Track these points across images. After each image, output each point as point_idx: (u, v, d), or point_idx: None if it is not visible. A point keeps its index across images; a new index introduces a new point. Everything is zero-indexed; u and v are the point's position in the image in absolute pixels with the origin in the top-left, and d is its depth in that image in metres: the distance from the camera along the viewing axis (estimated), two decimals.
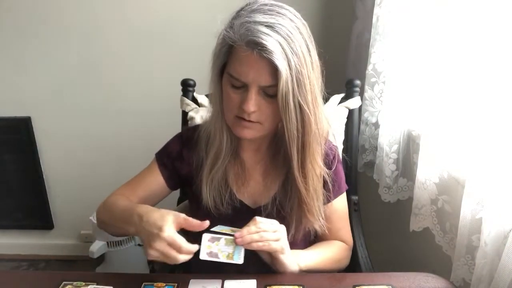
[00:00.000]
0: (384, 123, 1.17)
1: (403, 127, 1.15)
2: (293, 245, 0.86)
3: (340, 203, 0.93)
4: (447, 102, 0.92)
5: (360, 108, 1.21)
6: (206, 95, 1.20)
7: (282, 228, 0.78)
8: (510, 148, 0.71)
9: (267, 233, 0.74)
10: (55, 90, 1.79)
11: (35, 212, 2.00)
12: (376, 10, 1.18)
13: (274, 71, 0.70)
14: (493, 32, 0.78)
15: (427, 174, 0.95)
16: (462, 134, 0.90)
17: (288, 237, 0.83)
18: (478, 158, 0.76)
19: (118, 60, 1.74)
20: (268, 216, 0.84)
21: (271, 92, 0.73)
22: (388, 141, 1.16)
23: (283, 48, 0.69)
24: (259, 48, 0.68)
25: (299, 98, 0.72)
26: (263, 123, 0.77)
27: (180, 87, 1.22)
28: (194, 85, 1.21)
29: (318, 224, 0.85)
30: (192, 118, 1.15)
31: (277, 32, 0.69)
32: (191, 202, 0.96)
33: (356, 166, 1.25)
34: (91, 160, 1.90)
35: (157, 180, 0.90)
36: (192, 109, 1.17)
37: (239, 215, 0.85)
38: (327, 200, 0.88)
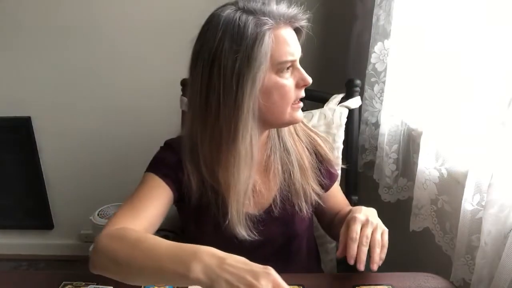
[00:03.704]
0: (384, 123, 1.17)
1: (403, 127, 1.14)
2: (303, 220, 0.88)
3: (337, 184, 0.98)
4: (447, 102, 0.92)
5: (360, 108, 1.21)
6: None
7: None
8: (510, 148, 0.71)
9: (368, 232, 0.72)
10: (55, 90, 1.79)
11: (35, 212, 2.00)
12: (376, 10, 1.18)
13: None
14: (494, 32, 0.78)
15: (427, 174, 0.95)
16: (462, 134, 0.90)
17: (302, 212, 0.85)
18: (478, 158, 0.76)
19: (118, 60, 1.74)
20: (281, 209, 0.84)
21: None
22: (388, 141, 1.16)
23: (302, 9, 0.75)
24: (299, 20, 0.74)
25: None
26: None
27: (180, 87, 1.22)
28: None
29: (317, 188, 0.87)
30: None
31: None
32: (187, 223, 0.89)
33: (356, 166, 1.25)
34: (91, 160, 1.90)
35: (164, 197, 0.78)
36: None
37: (251, 227, 0.81)
38: (329, 182, 0.92)
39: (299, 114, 0.79)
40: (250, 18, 0.69)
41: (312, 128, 0.93)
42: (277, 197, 0.84)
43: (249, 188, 0.78)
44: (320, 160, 0.90)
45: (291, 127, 0.86)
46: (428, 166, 0.94)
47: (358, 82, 1.18)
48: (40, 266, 2.02)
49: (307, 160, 0.87)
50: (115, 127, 1.84)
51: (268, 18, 0.69)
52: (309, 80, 0.75)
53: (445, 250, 0.93)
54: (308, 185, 0.85)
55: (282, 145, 0.86)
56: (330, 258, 1.16)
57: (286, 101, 0.75)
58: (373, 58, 1.20)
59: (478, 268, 0.73)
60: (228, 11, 0.71)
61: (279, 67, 0.72)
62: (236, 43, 0.68)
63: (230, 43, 0.69)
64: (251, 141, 0.74)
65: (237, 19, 0.69)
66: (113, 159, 1.89)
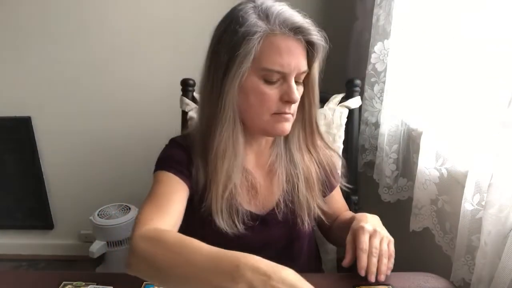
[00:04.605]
0: (384, 123, 1.17)
1: (403, 127, 1.15)
2: (307, 235, 0.87)
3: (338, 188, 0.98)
4: (447, 102, 0.92)
5: (360, 108, 1.21)
6: None
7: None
8: (510, 148, 0.71)
9: (376, 243, 0.72)
10: (55, 90, 1.79)
11: (35, 212, 2.01)
12: (376, 10, 1.18)
13: (306, 55, 0.73)
14: (493, 31, 0.78)
15: (427, 174, 0.95)
16: (462, 133, 0.90)
17: (304, 227, 0.84)
18: (478, 158, 0.76)
19: (118, 60, 1.74)
20: (284, 215, 0.84)
21: (301, 78, 0.75)
22: (388, 141, 1.16)
23: (319, 30, 0.73)
24: (304, 33, 0.70)
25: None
26: (294, 113, 0.77)
27: (180, 87, 1.22)
28: (194, 84, 1.21)
29: (321, 203, 0.87)
30: (191, 118, 1.15)
31: (308, 18, 0.72)
32: (190, 222, 0.84)
33: (356, 166, 1.25)
34: (91, 160, 1.90)
35: (183, 191, 0.77)
36: (192, 109, 1.17)
37: (254, 227, 0.82)
38: (330, 191, 0.91)
39: (283, 127, 0.76)
40: (253, 17, 0.69)
41: (331, 146, 0.91)
42: (281, 202, 0.84)
43: (231, 182, 0.77)
44: (328, 176, 0.89)
45: (301, 142, 0.85)
46: (428, 166, 0.94)
47: (358, 82, 1.18)
48: (40, 266, 2.02)
49: (315, 175, 0.86)
50: (115, 127, 1.84)
51: (266, 22, 0.69)
52: (294, 97, 0.72)
53: (445, 250, 0.93)
54: (313, 200, 0.85)
55: (288, 156, 0.85)
56: (330, 258, 1.16)
57: (264, 108, 0.73)
58: (373, 58, 1.20)
59: (478, 268, 0.73)
60: (242, 6, 0.73)
61: (264, 74, 0.71)
62: (231, 36, 0.70)
63: (227, 35, 0.71)
64: (232, 139, 0.75)
65: (242, 15, 0.70)
66: (113, 159, 1.89)
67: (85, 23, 1.68)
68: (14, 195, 1.98)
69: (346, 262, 0.75)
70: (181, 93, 1.21)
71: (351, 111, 1.18)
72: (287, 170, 0.85)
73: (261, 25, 0.69)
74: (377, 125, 1.25)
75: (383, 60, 1.18)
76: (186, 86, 1.20)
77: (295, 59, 0.71)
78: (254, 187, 0.84)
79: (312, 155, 0.87)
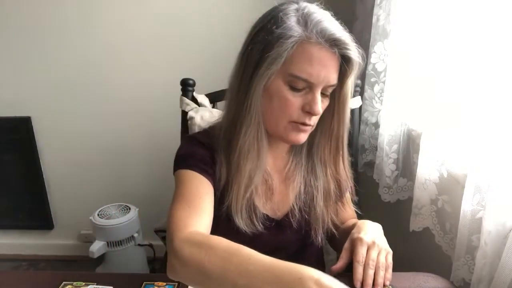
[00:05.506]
0: (384, 123, 1.17)
1: (403, 127, 1.15)
2: (315, 247, 0.87)
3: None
4: (447, 102, 0.92)
5: (360, 108, 1.21)
6: (206, 95, 1.20)
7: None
8: (510, 148, 0.71)
9: (374, 255, 0.71)
10: (55, 90, 1.79)
11: (35, 212, 2.01)
12: (376, 10, 1.18)
13: (339, 69, 0.71)
14: (493, 32, 0.78)
15: (427, 174, 0.95)
16: (462, 134, 0.90)
17: (317, 240, 0.84)
18: (478, 158, 0.76)
19: (118, 60, 1.74)
20: (298, 223, 0.84)
21: (329, 91, 0.73)
22: (388, 141, 1.16)
23: (358, 47, 0.71)
24: (340, 46, 0.68)
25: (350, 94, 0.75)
26: (314, 125, 0.76)
27: (180, 87, 1.22)
28: (194, 84, 1.21)
29: (335, 218, 0.86)
30: (191, 118, 1.15)
31: (347, 31, 0.70)
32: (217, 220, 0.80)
33: (356, 166, 1.25)
34: (91, 160, 1.90)
35: (211, 190, 0.75)
36: (192, 109, 1.17)
37: (270, 230, 0.82)
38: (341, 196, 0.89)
39: (298, 136, 0.75)
40: (292, 20, 0.68)
41: (349, 177, 0.89)
42: (295, 209, 0.83)
43: (252, 184, 0.77)
44: (340, 186, 0.88)
45: (326, 156, 0.83)
46: (428, 166, 0.94)
47: (358, 82, 1.18)
48: (40, 266, 2.03)
49: (333, 191, 0.85)
50: (115, 127, 1.84)
51: (303, 29, 0.67)
52: (316, 109, 0.70)
53: (445, 250, 0.93)
54: (328, 214, 0.84)
55: (310, 167, 0.84)
56: (330, 258, 1.16)
57: (284, 114, 0.72)
58: (373, 58, 1.20)
59: (478, 268, 0.73)
60: (285, 6, 0.71)
61: (290, 79, 0.70)
62: (266, 36, 0.69)
63: (263, 33, 0.70)
64: (257, 141, 0.74)
65: (281, 16, 0.69)
66: (113, 159, 1.89)
67: (85, 23, 1.69)
68: (14, 195, 1.98)
69: (336, 267, 0.74)
70: (181, 93, 1.21)
71: (351, 111, 1.17)
72: (306, 180, 0.84)
73: (297, 30, 0.67)
74: (377, 125, 1.25)
75: (383, 60, 1.18)
76: (186, 86, 1.20)
77: (325, 71, 0.69)
78: (271, 188, 0.83)
79: (333, 173, 0.85)
